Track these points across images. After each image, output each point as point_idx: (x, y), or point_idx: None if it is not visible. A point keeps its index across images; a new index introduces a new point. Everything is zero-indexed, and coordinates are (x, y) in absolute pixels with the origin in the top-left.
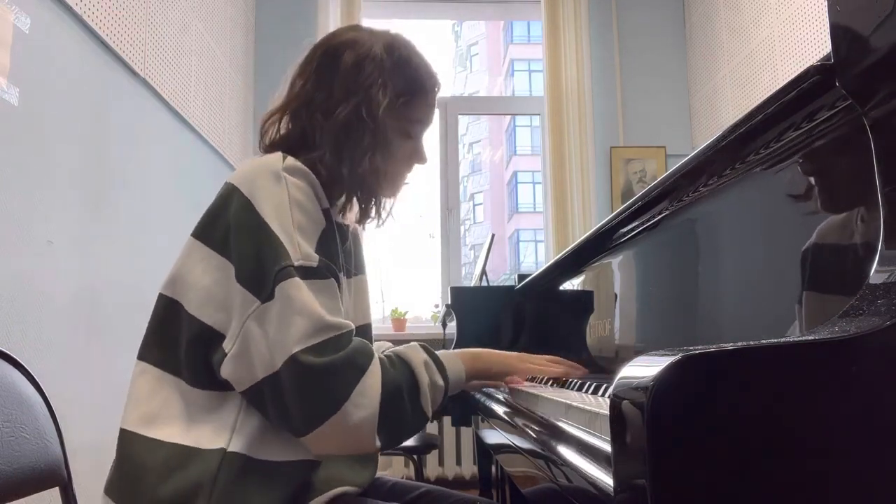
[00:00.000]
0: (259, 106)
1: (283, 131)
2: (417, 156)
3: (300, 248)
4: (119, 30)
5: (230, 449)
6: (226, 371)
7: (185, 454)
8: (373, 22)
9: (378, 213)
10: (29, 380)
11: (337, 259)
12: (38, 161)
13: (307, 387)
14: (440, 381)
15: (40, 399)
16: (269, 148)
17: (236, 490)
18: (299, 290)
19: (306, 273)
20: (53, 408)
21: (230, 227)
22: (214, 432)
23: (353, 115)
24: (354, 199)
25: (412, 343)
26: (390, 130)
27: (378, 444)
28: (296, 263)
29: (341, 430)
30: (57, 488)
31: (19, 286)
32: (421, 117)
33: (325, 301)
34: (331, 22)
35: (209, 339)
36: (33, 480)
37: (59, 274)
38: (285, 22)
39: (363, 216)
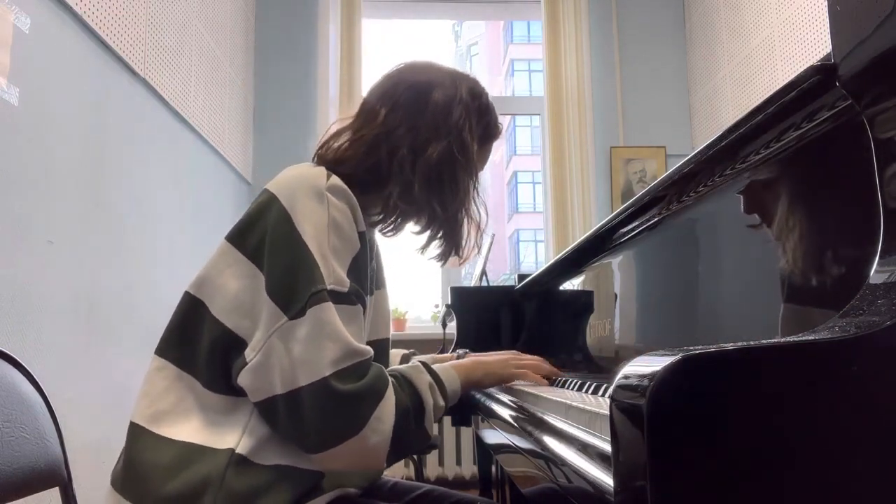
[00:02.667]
0: (259, 106)
1: (349, 151)
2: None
3: (334, 272)
4: (119, 30)
5: (238, 450)
6: (243, 380)
7: (194, 453)
8: (373, 22)
9: (461, 249)
10: (29, 380)
11: (366, 282)
12: (38, 161)
13: (331, 409)
14: (441, 402)
15: (40, 399)
16: (327, 161)
17: (242, 490)
18: (331, 315)
19: (337, 298)
20: (53, 408)
21: (265, 237)
22: (225, 433)
23: (446, 154)
24: (448, 236)
25: (414, 363)
26: (478, 171)
27: (385, 464)
28: (329, 287)
29: (356, 451)
30: (57, 488)
31: (19, 286)
32: (484, 162)
33: (351, 328)
34: (331, 23)
35: (231, 343)
36: (33, 480)
37: (59, 274)
38: (285, 22)
39: (448, 251)
